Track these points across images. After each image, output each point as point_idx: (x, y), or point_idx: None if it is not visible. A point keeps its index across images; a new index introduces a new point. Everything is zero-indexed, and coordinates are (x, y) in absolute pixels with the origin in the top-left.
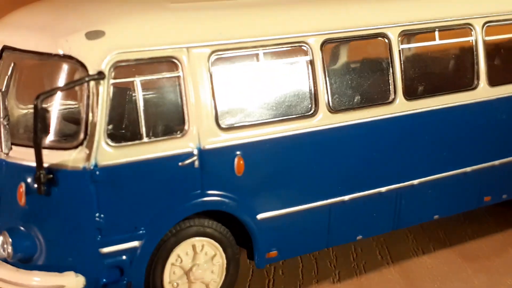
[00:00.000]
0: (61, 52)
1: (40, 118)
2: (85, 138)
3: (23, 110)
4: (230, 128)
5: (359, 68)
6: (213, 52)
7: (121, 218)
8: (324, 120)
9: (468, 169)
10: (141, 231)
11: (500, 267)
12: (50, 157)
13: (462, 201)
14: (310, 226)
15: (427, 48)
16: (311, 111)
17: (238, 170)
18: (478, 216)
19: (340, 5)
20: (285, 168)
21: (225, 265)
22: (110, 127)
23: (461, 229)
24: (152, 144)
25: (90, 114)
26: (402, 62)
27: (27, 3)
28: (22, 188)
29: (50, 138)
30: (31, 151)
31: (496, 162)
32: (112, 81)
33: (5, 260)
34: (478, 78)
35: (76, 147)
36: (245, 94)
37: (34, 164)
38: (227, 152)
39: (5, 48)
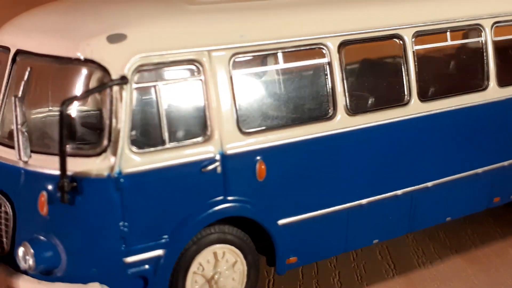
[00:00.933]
0: (82, 56)
1: (65, 124)
2: (108, 144)
3: (41, 116)
4: (251, 132)
5: (374, 69)
6: (233, 55)
7: (145, 227)
8: (343, 122)
9: (479, 170)
10: (165, 240)
11: (500, 267)
12: (73, 165)
13: (473, 202)
14: (329, 231)
15: (439, 49)
16: (330, 114)
17: (259, 175)
18: (478, 216)
19: (356, 7)
20: (305, 172)
21: (246, 272)
22: (134, 133)
23: (461, 229)
24: (175, 150)
25: (114, 120)
26: (416, 63)
27: (27, 3)
28: (44, 197)
29: (72, 145)
30: (52, 158)
31: (506, 163)
32: (134, 85)
33: (25, 272)
34: (488, 79)
35: (99, 154)
36: (264, 97)
37: (55, 172)
38: (248, 157)
39: (19, 52)
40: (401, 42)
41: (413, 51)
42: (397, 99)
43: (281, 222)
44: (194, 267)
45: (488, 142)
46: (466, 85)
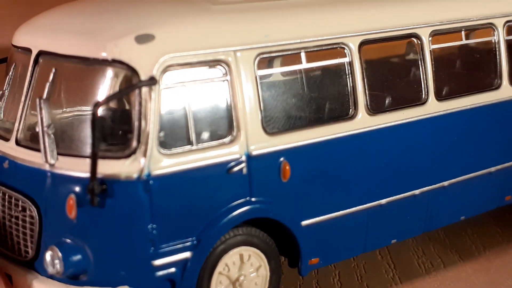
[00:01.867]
0: (109, 57)
1: (98, 126)
2: (138, 146)
3: (66, 118)
4: (276, 132)
5: (393, 69)
6: (258, 54)
7: (172, 229)
8: (363, 122)
9: (493, 169)
10: (192, 242)
11: (500, 267)
12: (102, 167)
13: (486, 201)
14: (349, 231)
15: (454, 49)
16: (351, 114)
17: (284, 176)
18: (478, 216)
19: (375, 7)
20: (327, 172)
21: (268, 278)
22: (162, 134)
23: (461, 229)
24: (202, 151)
25: (143, 122)
26: (433, 62)
27: (29, 3)
28: (72, 200)
29: (102, 147)
30: (79, 160)
31: None
32: (162, 86)
33: (52, 277)
34: (500, 78)
35: (128, 156)
36: (288, 97)
37: (84, 174)
38: (273, 158)
39: (42, 53)
40: (418, 41)
41: (430, 50)
42: (415, 98)
43: (304, 223)
44: (220, 267)
45: (501, 140)
46: (479, 84)
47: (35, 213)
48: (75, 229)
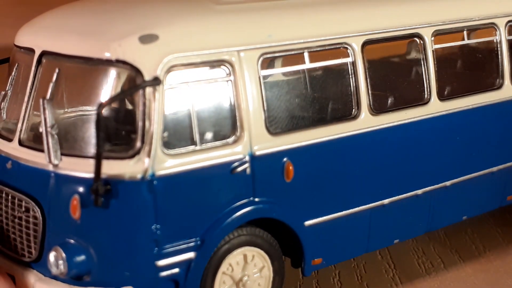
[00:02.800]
0: (113, 57)
1: (102, 127)
2: (142, 147)
3: (70, 118)
4: (279, 133)
5: (395, 69)
6: (262, 54)
7: (176, 229)
8: (366, 122)
9: (495, 169)
10: (196, 242)
11: (500, 267)
12: (106, 167)
13: (487, 201)
14: (352, 232)
15: (456, 48)
16: (354, 113)
17: (287, 176)
18: (478, 216)
19: (378, 7)
20: (331, 172)
21: (271, 279)
22: (166, 134)
23: (461, 229)
24: (206, 151)
25: (147, 122)
26: (435, 62)
27: (29, 3)
28: (76, 200)
29: (106, 148)
30: (83, 161)
31: None
32: (166, 86)
33: (55, 278)
34: (502, 77)
35: (132, 156)
36: (291, 97)
37: (88, 175)
38: (276, 158)
39: (45, 53)
40: (421, 41)
41: (433, 50)
42: (418, 98)
43: (307, 223)
44: (224, 267)
45: (502, 140)
46: (481, 84)
47: (38, 214)
48: (79, 230)
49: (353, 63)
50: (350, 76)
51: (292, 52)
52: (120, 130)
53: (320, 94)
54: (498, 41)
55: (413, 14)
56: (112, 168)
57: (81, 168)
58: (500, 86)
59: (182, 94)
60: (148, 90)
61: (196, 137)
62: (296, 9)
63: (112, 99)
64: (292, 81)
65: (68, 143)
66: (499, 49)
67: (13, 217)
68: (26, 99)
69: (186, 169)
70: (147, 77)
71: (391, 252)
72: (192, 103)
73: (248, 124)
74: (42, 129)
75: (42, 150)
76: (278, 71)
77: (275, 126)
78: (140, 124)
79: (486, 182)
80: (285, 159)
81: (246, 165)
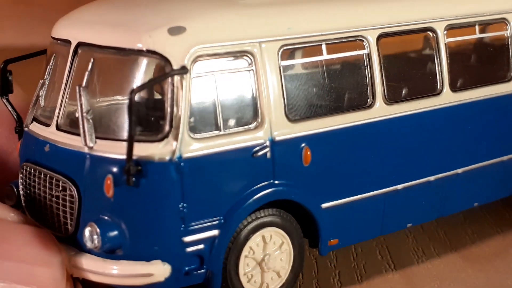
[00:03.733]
0: (144, 47)
1: (134, 111)
2: (170, 130)
3: (104, 104)
4: (298, 120)
5: (409, 61)
6: (282, 46)
7: (201, 208)
8: (381, 111)
9: (505, 157)
10: (220, 221)
11: (500, 267)
12: (137, 150)
13: (499, 188)
14: (367, 215)
15: (468, 42)
16: (369, 103)
17: (305, 160)
18: (478, 216)
19: (393, 1)
20: (346, 158)
21: (292, 252)
22: (192, 120)
23: (461, 229)
24: (229, 136)
25: (175, 108)
26: (448, 55)
27: (29, 3)
28: (110, 180)
29: (137, 131)
30: (116, 144)
31: None
32: (193, 75)
33: (90, 251)
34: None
35: (161, 139)
36: (309, 86)
37: (121, 156)
38: (295, 143)
39: (81, 44)
40: (434, 35)
41: (445, 44)
42: (430, 89)
43: (324, 205)
44: (245, 251)
45: None
46: (492, 76)
47: (75, 193)
48: (112, 207)
49: (369, 55)
50: (366, 67)
51: (311, 44)
52: (150, 115)
53: (337, 84)
54: (509, 35)
55: (426, 8)
56: (142, 150)
57: (114, 150)
58: (510, 79)
59: (207, 83)
60: (176, 78)
61: (220, 122)
62: (314, 3)
63: (143, 86)
64: (311, 72)
65: (102, 127)
66: (510, 43)
67: (51, 196)
68: (63, 87)
69: (210, 152)
70: (175, 66)
71: (391, 252)
72: (216, 91)
73: (268, 111)
74: (78, 114)
75: (78, 134)
76: (297, 62)
77: (294, 114)
78: (168, 110)
79: (497, 170)
80: (303, 144)
81: (267, 149)
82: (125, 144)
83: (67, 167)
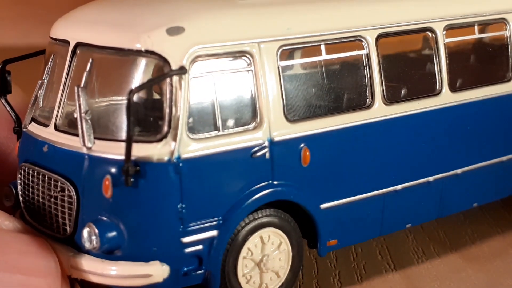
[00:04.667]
0: (143, 48)
1: (133, 112)
2: (168, 131)
3: (102, 105)
4: (297, 120)
5: (408, 61)
6: (281, 46)
7: (200, 209)
8: (380, 111)
9: (504, 158)
10: (218, 221)
11: (500, 267)
12: (135, 150)
13: (498, 189)
14: (366, 215)
15: (467, 42)
16: (368, 103)
17: (304, 161)
18: (478, 216)
19: (392, 1)
20: (345, 158)
21: (290, 252)
22: (191, 120)
23: (461, 229)
24: (228, 136)
25: (174, 108)
26: (447, 55)
27: (29, 3)
28: (108, 180)
29: (135, 132)
30: (115, 144)
31: None
32: (191, 75)
33: (88, 252)
34: (511, 71)
35: (160, 140)
36: (308, 87)
37: (119, 157)
38: (294, 144)
39: (79, 44)
40: (433, 35)
41: (444, 44)
42: (430, 89)
43: (323, 206)
44: (243, 252)
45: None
46: (491, 77)
47: (73, 193)
48: (111, 208)
49: (368, 55)
50: (365, 68)
51: (310, 44)
52: (149, 116)
53: (336, 84)
54: (508, 35)
55: (425, 9)
56: (141, 150)
57: (112, 151)
58: (510, 79)
59: (206, 83)
60: (175, 78)
61: (219, 123)
62: (313, 3)
63: (141, 86)
64: (310, 72)
65: (101, 128)
66: (509, 43)
67: (49, 197)
68: (61, 87)
69: (209, 153)
70: (174, 66)
71: (391, 252)
72: (215, 91)
73: (267, 111)
74: (76, 114)
75: (76, 134)
76: (296, 62)
77: (293, 114)
78: (167, 110)
79: (496, 171)
80: (302, 145)
81: (266, 150)
82: (123, 144)
83: (66, 168)
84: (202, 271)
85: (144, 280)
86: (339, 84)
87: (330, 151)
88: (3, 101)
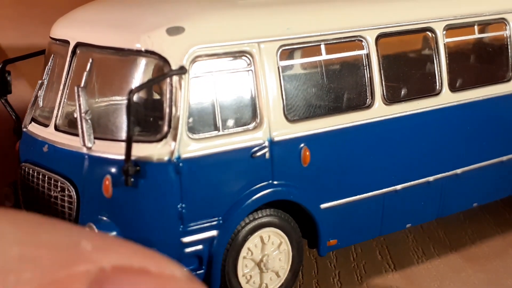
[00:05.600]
0: (143, 48)
1: (133, 112)
2: (168, 131)
3: (102, 105)
4: (297, 120)
5: (408, 61)
6: (280, 46)
7: (200, 208)
8: (380, 111)
9: (504, 158)
10: (218, 221)
11: (500, 267)
12: (136, 150)
13: (498, 189)
14: (366, 215)
15: (467, 42)
16: (368, 103)
17: (304, 161)
18: (478, 216)
19: (392, 1)
20: (345, 158)
21: (290, 252)
22: (191, 120)
23: (461, 229)
24: (228, 136)
25: (174, 108)
26: (447, 55)
27: (29, 3)
28: (108, 180)
29: (135, 132)
30: (115, 144)
31: None
32: (191, 75)
33: None
34: (511, 71)
35: (160, 140)
36: (308, 87)
37: (119, 157)
38: (294, 144)
39: (79, 44)
40: (433, 35)
41: (444, 44)
42: (430, 89)
43: (323, 206)
44: (243, 252)
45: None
46: (491, 77)
47: (73, 193)
48: (111, 208)
49: (368, 55)
50: (365, 68)
51: (310, 44)
52: (149, 116)
53: (336, 84)
54: (508, 35)
55: (425, 9)
56: (141, 150)
57: (112, 151)
58: (510, 79)
59: (206, 83)
60: (175, 78)
61: (219, 123)
62: (313, 3)
63: (141, 86)
64: (310, 72)
65: (101, 127)
66: (509, 43)
67: (49, 197)
68: (61, 87)
69: (209, 153)
70: (174, 66)
71: (391, 252)
72: (215, 91)
73: (267, 111)
74: (76, 114)
75: (76, 134)
76: (296, 62)
77: (293, 114)
78: (167, 110)
79: (496, 170)
80: (302, 145)
81: (266, 149)
82: (123, 144)
83: (66, 168)
84: (202, 271)
85: None
86: (339, 84)
87: (330, 151)
88: (3, 101)
